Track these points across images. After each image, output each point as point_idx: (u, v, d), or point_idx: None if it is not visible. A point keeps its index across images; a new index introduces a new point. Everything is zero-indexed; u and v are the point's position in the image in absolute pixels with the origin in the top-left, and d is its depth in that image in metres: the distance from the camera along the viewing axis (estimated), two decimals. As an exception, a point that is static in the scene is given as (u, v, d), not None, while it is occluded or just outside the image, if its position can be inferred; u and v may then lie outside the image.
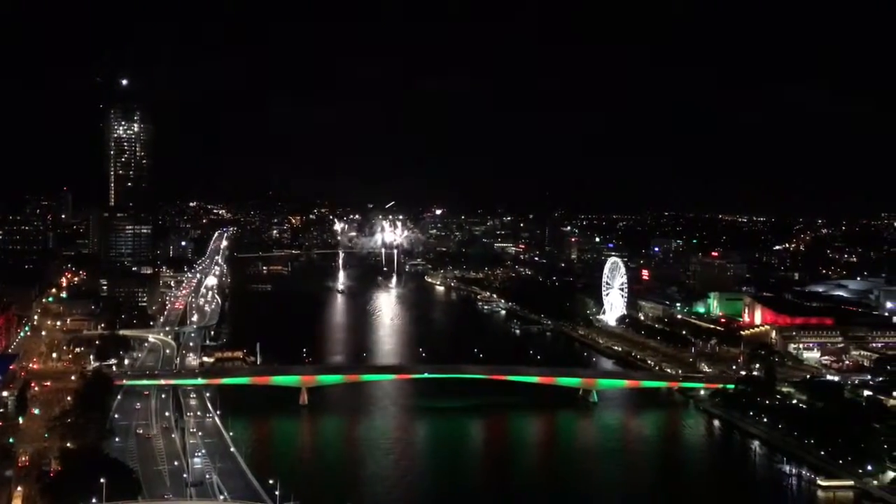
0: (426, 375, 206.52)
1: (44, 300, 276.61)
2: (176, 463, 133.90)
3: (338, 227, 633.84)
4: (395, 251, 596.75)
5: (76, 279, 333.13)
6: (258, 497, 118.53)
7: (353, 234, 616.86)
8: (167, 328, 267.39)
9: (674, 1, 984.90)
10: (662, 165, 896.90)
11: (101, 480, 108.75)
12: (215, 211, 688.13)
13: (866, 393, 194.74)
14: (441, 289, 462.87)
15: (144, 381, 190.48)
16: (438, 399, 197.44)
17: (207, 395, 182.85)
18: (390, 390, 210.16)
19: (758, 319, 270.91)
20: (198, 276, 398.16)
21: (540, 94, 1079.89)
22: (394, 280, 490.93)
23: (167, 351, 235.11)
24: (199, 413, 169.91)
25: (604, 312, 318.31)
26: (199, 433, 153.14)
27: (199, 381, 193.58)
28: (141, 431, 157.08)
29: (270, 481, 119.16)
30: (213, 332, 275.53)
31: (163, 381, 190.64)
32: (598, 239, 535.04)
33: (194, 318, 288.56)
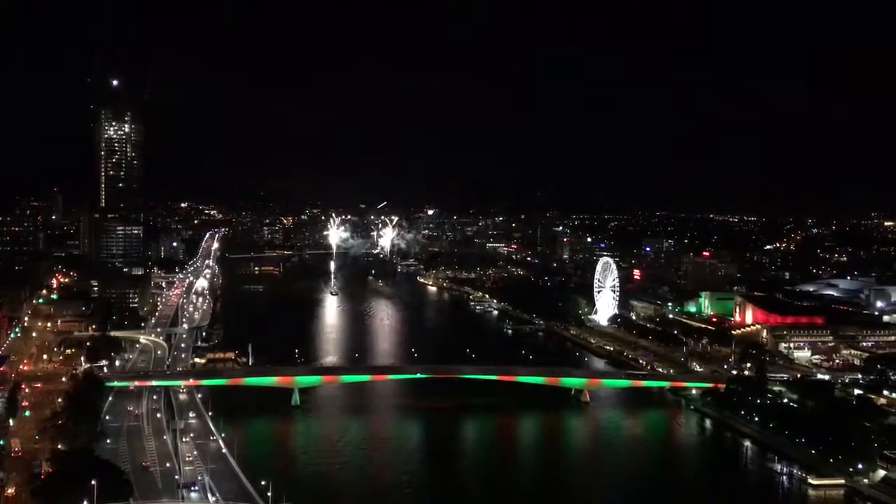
0: (414, 376, 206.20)
1: (34, 301, 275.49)
2: (168, 464, 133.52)
3: (330, 227, 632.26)
4: (388, 252, 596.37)
5: (67, 280, 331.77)
6: (250, 499, 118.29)
7: (346, 234, 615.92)
8: (159, 329, 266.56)
9: (671, 2, 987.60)
10: (654, 165, 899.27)
11: (93, 482, 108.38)
12: (207, 211, 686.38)
13: (857, 392, 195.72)
14: (433, 289, 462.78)
15: (134, 383, 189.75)
16: (432, 399, 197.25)
17: (199, 396, 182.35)
18: (385, 391, 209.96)
19: (749, 319, 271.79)
20: (189, 276, 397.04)
21: (535, 94, 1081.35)
22: (386, 280, 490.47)
23: (159, 352, 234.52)
24: (190, 414, 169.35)
25: (595, 312, 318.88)
26: (191, 434, 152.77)
27: (178, 381, 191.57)
28: (131, 408, 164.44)
29: (262, 482, 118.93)
30: (204, 334, 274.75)
31: (151, 383, 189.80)
32: (589, 239, 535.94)
33: (186, 319, 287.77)
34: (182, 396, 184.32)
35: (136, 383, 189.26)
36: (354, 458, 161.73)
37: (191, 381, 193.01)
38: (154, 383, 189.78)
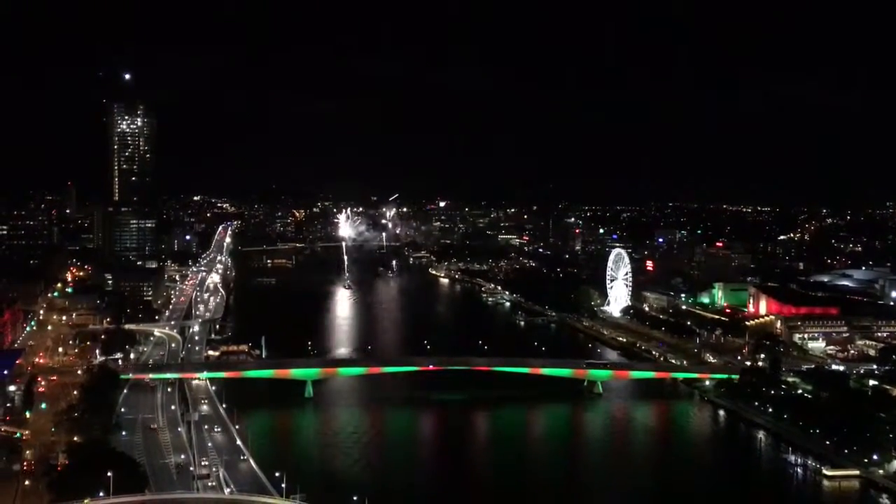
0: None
1: (49, 295, 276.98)
2: (182, 456, 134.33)
3: (342, 220, 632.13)
4: (400, 244, 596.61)
5: (81, 274, 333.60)
6: (264, 490, 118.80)
7: (358, 226, 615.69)
8: (172, 322, 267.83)
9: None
10: (666, 156, 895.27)
11: (108, 474, 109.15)
12: (219, 205, 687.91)
13: (871, 382, 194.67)
14: (445, 281, 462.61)
15: (149, 376, 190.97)
16: (445, 391, 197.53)
17: (213, 388, 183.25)
18: (398, 383, 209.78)
19: (762, 310, 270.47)
20: (202, 270, 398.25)
21: (545, 85, 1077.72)
22: (398, 273, 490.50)
23: (173, 345, 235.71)
24: (204, 407, 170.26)
25: (608, 304, 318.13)
26: (205, 426, 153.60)
27: (172, 375, 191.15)
28: (148, 381, 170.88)
29: (276, 474, 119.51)
30: (218, 326, 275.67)
31: (150, 375, 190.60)
32: (601, 230, 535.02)
33: (199, 312, 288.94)
34: (196, 388, 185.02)
35: (149, 376, 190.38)
36: (367, 450, 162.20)
37: (185, 374, 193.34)
38: (153, 376, 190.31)
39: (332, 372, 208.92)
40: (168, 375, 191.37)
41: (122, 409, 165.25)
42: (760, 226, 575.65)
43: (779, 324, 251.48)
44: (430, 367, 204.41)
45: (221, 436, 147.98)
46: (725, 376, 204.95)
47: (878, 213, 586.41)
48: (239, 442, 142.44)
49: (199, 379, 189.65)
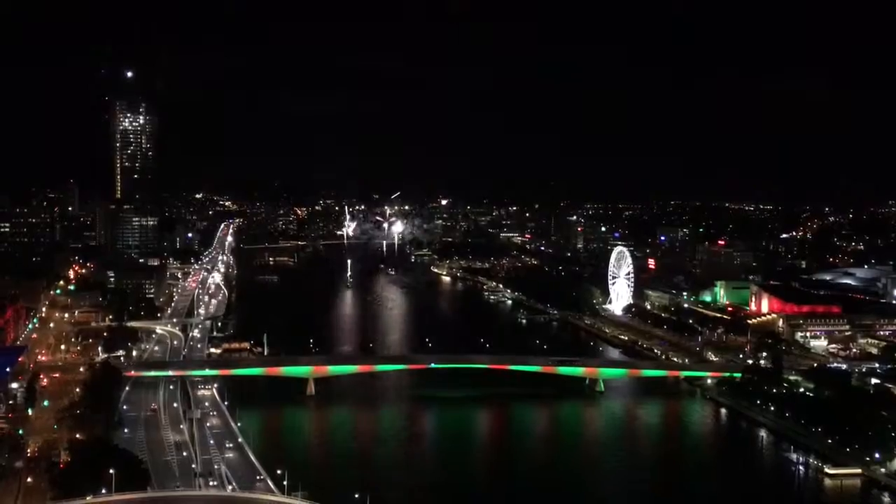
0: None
1: (51, 292, 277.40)
2: (185, 453, 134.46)
3: (345, 218, 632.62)
4: (401, 242, 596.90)
5: (83, 271, 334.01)
6: (266, 487, 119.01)
7: (360, 225, 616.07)
8: (174, 319, 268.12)
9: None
10: (668, 154, 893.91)
11: (110, 471, 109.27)
12: (221, 202, 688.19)
13: (874, 381, 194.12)
14: (447, 279, 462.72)
15: (151, 373, 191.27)
16: (445, 389, 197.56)
17: (215, 385, 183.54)
18: (399, 381, 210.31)
19: (765, 308, 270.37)
20: (204, 267, 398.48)
21: (544, 83, 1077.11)
22: (400, 271, 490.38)
23: (175, 342, 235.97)
24: (206, 404, 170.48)
25: (610, 302, 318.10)
26: (207, 424, 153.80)
27: (168, 372, 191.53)
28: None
29: (278, 471, 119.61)
30: (220, 324, 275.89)
31: (150, 373, 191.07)
32: (603, 228, 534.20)
33: (201, 310, 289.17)
34: (198, 385, 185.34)
35: (150, 373, 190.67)
36: (368, 448, 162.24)
37: (182, 371, 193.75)
38: (154, 373, 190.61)
39: (324, 370, 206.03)
40: (167, 373, 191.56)
41: (125, 407, 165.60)
42: (763, 224, 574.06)
43: (781, 322, 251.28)
44: (426, 365, 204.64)
45: (223, 434, 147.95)
46: (729, 374, 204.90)
47: (881, 211, 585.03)
48: (241, 439, 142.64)
49: (190, 376, 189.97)
